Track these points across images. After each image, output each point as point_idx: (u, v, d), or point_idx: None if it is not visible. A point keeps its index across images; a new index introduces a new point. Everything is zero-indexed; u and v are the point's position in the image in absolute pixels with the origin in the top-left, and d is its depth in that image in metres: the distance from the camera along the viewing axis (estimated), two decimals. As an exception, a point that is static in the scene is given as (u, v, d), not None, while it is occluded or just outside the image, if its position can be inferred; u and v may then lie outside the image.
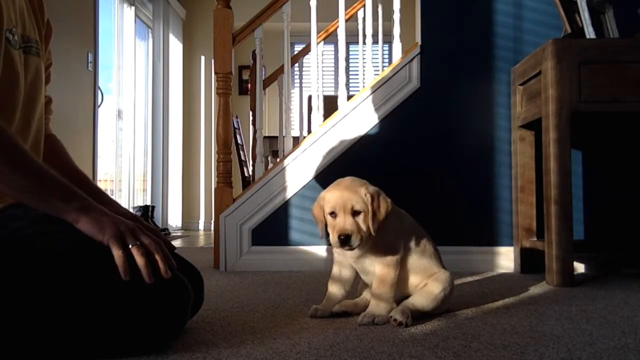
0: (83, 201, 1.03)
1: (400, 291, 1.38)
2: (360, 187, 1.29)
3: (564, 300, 1.64)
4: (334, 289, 1.42)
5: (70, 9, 3.51)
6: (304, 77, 3.71)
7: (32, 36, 1.16)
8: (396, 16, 2.61)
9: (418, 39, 2.49)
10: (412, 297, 1.37)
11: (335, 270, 1.43)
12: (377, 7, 2.90)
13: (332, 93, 5.69)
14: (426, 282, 1.38)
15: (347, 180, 1.33)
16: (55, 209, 1.00)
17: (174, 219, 5.62)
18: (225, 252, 2.44)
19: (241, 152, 3.81)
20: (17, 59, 1.08)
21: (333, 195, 1.28)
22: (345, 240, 1.24)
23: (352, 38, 3.02)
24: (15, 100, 1.09)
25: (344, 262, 1.41)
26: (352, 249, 1.27)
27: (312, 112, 2.68)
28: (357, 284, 1.49)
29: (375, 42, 2.90)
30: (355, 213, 1.26)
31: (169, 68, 5.45)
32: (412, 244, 1.39)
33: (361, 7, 2.94)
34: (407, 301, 1.35)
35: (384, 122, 2.46)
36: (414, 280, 1.39)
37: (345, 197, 1.26)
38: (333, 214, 1.28)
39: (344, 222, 1.25)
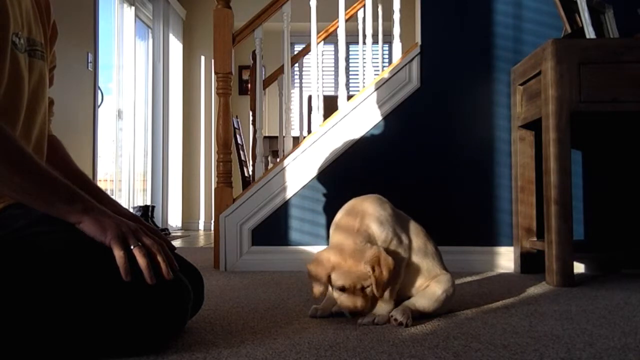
0: (85, 202, 1.03)
1: (401, 292, 1.38)
2: (360, 261, 1.26)
3: (564, 300, 1.64)
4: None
5: (70, 9, 3.51)
6: (304, 77, 3.71)
7: (37, 39, 1.16)
8: (396, 16, 2.61)
9: (418, 39, 2.49)
10: (414, 298, 1.37)
11: None
12: (377, 7, 2.90)
13: (332, 93, 5.70)
14: (428, 283, 1.38)
15: (350, 245, 1.29)
16: (58, 210, 1.00)
17: (174, 219, 5.62)
18: (225, 252, 2.44)
19: (241, 152, 3.81)
20: (22, 62, 1.09)
21: (341, 277, 1.27)
22: (356, 315, 1.31)
23: (352, 38, 3.02)
24: (19, 104, 1.09)
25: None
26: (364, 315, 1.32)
27: (312, 112, 2.68)
28: None
29: (375, 42, 2.90)
30: (363, 289, 1.28)
31: (169, 68, 5.45)
32: (415, 245, 1.39)
33: (361, 7, 2.94)
34: (409, 302, 1.35)
35: (384, 122, 2.46)
36: (415, 281, 1.39)
37: (355, 279, 1.26)
38: (343, 289, 1.28)
39: (355, 301, 1.28)
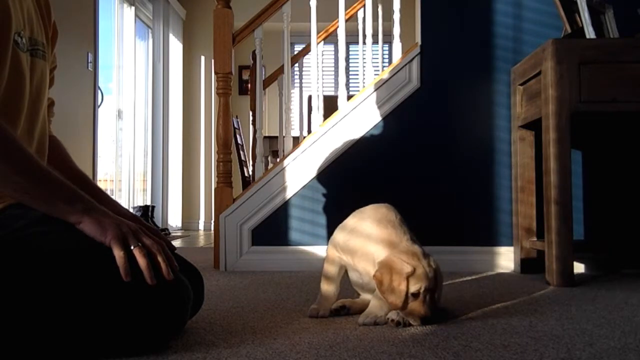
0: (86, 203, 1.03)
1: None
2: (428, 261, 1.28)
3: (564, 300, 1.64)
4: (330, 288, 1.41)
5: (70, 9, 3.50)
6: (304, 77, 3.71)
7: (39, 39, 1.16)
8: (396, 16, 2.61)
9: (418, 39, 2.49)
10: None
11: (330, 268, 1.42)
12: (377, 7, 2.90)
13: (332, 93, 5.70)
14: None
15: (405, 244, 1.30)
16: (58, 210, 1.00)
17: (174, 219, 5.62)
18: (225, 252, 2.44)
19: (241, 152, 3.81)
20: (24, 62, 1.09)
21: (420, 275, 1.25)
22: (428, 322, 1.28)
23: (352, 38, 3.02)
24: (21, 103, 1.09)
25: (337, 261, 1.41)
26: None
27: (312, 112, 2.68)
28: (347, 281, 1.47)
29: (375, 42, 2.90)
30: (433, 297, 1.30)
31: (169, 68, 5.45)
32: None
33: (361, 7, 2.94)
34: None
35: (384, 122, 2.46)
36: None
37: (435, 282, 1.28)
38: (416, 295, 1.25)
39: (427, 310, 1.26)
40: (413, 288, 1.23)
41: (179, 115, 5.73)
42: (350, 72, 5.70)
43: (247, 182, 3.58)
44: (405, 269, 1.24)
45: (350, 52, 5.31)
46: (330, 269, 1.42)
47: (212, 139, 5.84)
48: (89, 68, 3.78)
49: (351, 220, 1.40)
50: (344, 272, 1.43)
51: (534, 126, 2.24)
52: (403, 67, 2.45)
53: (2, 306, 0.92)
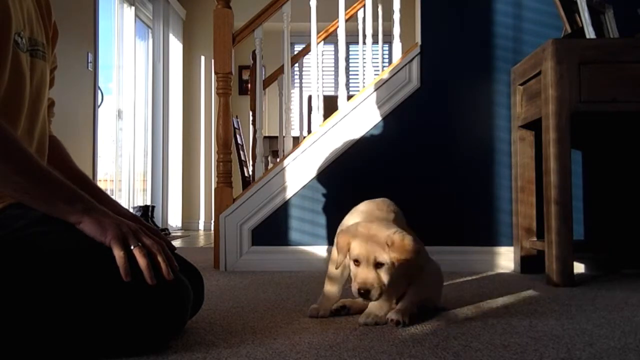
0: (86, 203, 1.03)
1: (400, 289, 1.39)
2: (384, 232, 1.24)
3: (564, 300, 1.64)
4: (333, 288, 1.41)
5: (70, 9, 3.50)
6: (304, 77, 3.71)
7: (39, 39, 1.16)
8: (396, 16, 2.61)
9: (418, 39, 2.49)
10: (406, 295, 1.37)
11: (333, 269, 1.42)
12: (377, 7, 2.90)
13: (332, 93, 5.70)
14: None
15: (375, 224, 1.28)
16: (58, 210, 1.00)
17: (174, 219, 5.62)
18: (225, 252, 2.44)
19: (241, 152, 3.81)
20: (24, 62, 1.09)
21: (358, 245, 1.25)
22: (364, 294, 1.23)
23: (352, 38, 3.02)
24: (21, 103, 1.09)
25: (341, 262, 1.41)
26: (371, 300, 1.26)
27: (312, 112, 2.68)
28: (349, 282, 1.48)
29: (375, 42, 2.90)
30: (378, 265, 1.24)
31: (169, 68, 5.45)
32: None
33: (361, 7, 2.94)
34: (403, 300, 1.36)
35: (384, 122, 2.46)
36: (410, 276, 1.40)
37: (370, 249, 1.23)
38: (357, 261, 1.25)
39: (366, 274, 1.23)
40: (351, 254, 1.25)
41: (179, 115, 5.73)
42: (350, 72, 5.70)
43: (247, 182, 3.58)
44: (351, 230, 1.26)
45: (350, 52, 5.31)
46: (334, 269, 1.42)
47: (212, 139, 5.84)
48: (89, 68, 3.78)
49: (346, 218, 1.42)
50: (348, 272, 1.43)
51: (534, 126, 2.24)
52: (403, 67, 2.45)
53: (2, 306, 0.92)
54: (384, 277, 1.23)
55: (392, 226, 1.28)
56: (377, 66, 2.98)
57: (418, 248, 1.26)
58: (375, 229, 1.26)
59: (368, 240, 1.24)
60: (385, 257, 1.23)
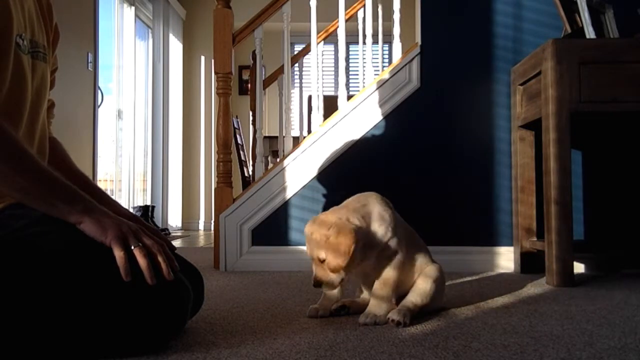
0: (86, 203, 1.03)
1: (401, 289, 1.39)
2: (322, 229, 1.26)
3: (564, 300, 1.64)
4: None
5: (70, 9, 3.50)
6: (304, 77, 3.71)
7: (40, 41, 1.16)
8: (396, 16, 2.61)
9: (418, 39, 2.49)
10: (408, 296, 1.37)
11: None
12: (377, 7, 2.90)
13: (332, 93, 5.70)
14: (418, 277, 1.40)
15: (331, 219, 1.29)
16: (59, 210, 1.01)
17: (174, 219, 5.62)
18: (225, 252, 2.44)
19: (241, 152, 3.81)
20: (25, 63, 1.09)
21: (307, 244, 1.30)
22: (318, 286, 1.28)
23: (352, 38, 3.02)
24: (22, 104, 1.09)
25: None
26: (334, 288, 1.30)
27: (312, 112, 2.68)
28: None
29: (375, 42, 2.90)
30: (323, 261, 1.26)
31: (169, 68, 5.45)
32: (409, 242, 1.39)
33: (361, 7, 2.94)
34: (405, 300, 1.36)
35: (384, 122, 2.46)
36: (412, 277, 1.40)
37: (312, 245, 1.28)
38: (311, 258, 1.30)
39: (316, 271, 1.28)
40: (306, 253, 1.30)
41: (179, 115, 5.73)
42: (350, 72, 5.70)
43: (247, 182, 3.58)
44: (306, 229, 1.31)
45: (350, 52, 5.31)
46: None
47: (212, 139, 5.84)
48: (89, 68, 3.78)
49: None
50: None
51: (534, 126, 2.24)
52: (403, 67, 2.45)
53: (2, 306, 0.92)
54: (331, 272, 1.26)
55: (344, 219, 1.27)
56: (377, 66, 2.98)
57: (353, 239, 1.23)
58: (317, 227, 1.29)
59: (310, 240, 1.29)
60: (323, 254, 1.26)
